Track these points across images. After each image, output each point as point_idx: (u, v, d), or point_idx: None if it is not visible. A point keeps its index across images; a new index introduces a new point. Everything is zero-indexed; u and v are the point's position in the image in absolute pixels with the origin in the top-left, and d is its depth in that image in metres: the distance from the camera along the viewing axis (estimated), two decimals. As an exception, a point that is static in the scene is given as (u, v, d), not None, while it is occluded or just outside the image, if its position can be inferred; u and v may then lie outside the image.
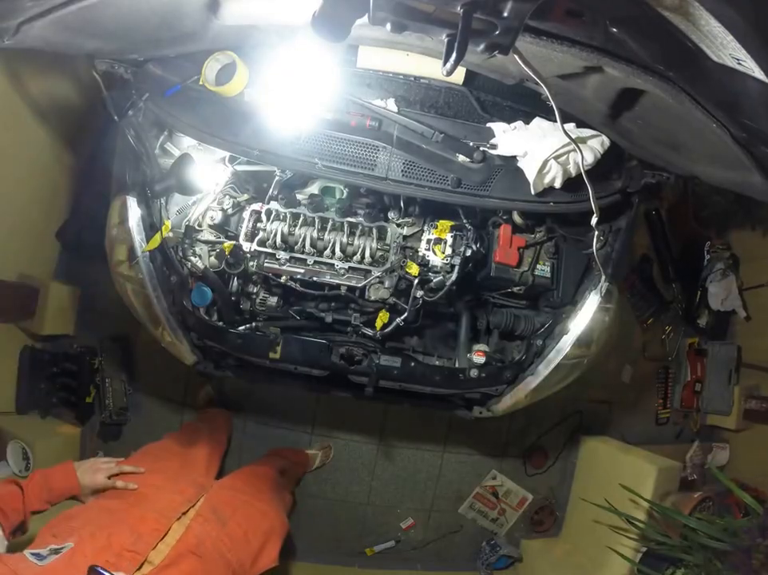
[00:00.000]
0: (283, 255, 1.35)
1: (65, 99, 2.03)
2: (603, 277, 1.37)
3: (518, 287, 1.44)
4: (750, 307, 2.73)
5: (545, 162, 1.18)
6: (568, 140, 1.03)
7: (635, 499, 2.03)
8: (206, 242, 1.46)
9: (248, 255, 1.36)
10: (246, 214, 1.38)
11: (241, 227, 1.38)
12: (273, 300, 1.49)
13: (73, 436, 2.32)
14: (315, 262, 1.36)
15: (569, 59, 0.90)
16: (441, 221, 1.40)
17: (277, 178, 1.41)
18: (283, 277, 1.37)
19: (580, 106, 1.17)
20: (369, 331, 1.44)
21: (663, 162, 1.33)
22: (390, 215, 1.41)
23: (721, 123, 0.96)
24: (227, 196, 1.45)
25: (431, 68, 1.26)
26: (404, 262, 1.37)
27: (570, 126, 1.22)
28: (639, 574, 1.98)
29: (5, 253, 2.01)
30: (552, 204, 1.29)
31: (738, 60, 0.75)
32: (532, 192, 1.24)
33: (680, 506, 2.08)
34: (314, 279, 1.36)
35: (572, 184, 1.24)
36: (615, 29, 0.78)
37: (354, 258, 1.37)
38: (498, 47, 0.68)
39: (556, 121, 0.97)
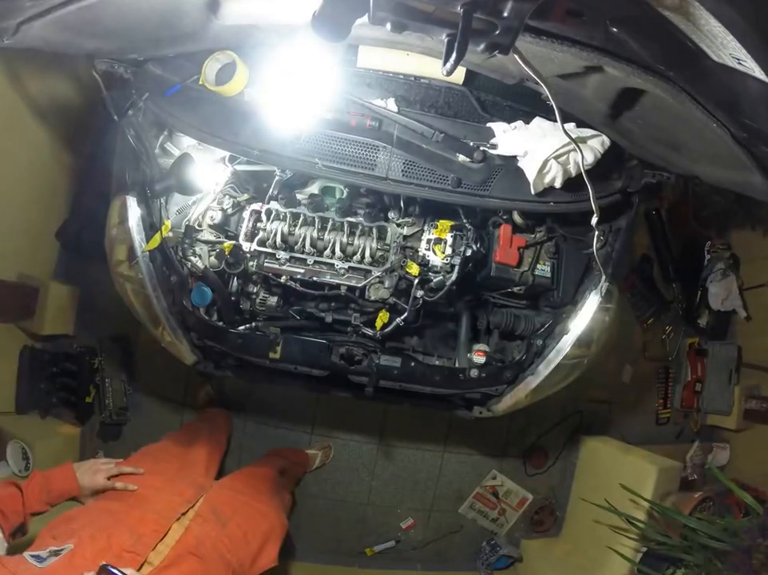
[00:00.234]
0: (282, 255, 1.35)
1: (64, 99, 2.03)
2: (604, 277, 1.37)
3: (518, 287, 1.44)
4: (750, 306, 2.72)
5: (545, 162, 1.18)
6: (568, 139, 1.03)
7: (636, 499, 2.03)
8: (206, 242, 1.46)
9: (248, 255, 1.36)
10: (246, 214, 1.38)
11: (241, 227, 1.38)
12: (273, 300, 1.48)
13: (72, 436, 2.32)
14: (315, 262, 1.36)
15: (569, 59, 0.90)
16: (441, 221, 1.40)
17: (277, 178, 1.41)
18: (283, 277, 1.37)
19: (580, 106, 1.17)
20: (369, 331, 1.44)
21: (663, 162, 1.32)
22: (390, 215, 1.41)
23: (721, 123, 0.95)
24: (227, 196, 1.45)
25: (431, 68, 1.26)
26: (404, 262, 1.37)
27: (570, 126, 1.22)
28: (640, 574, 1.98)
29: (4, 253, 2.00)
30: (552, 203, 1.28)
31: (738, 60, 0.75)
32: (533, 191, 1.24)
33: (680, 506, 2.08)
34: (314, 279, 1.36)
35: (572, 183, 1.24)
36: (615, 29, 0.78)
37: (354, 258, 1.37)
38: (498, 47, 0.68)
39: (556, 121, 0.97)
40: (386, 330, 1.41)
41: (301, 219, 1.37)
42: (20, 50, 1.08)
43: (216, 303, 1.47)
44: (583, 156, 1.09)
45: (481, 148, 1.26)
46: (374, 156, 1.23)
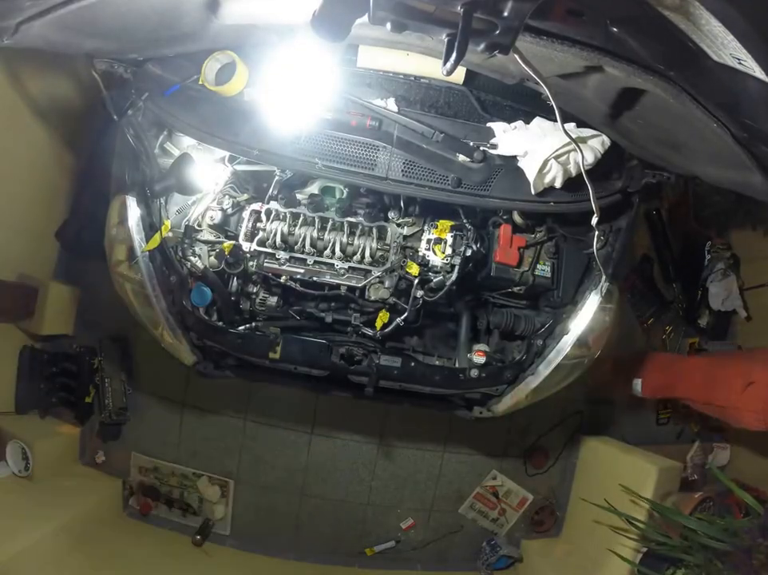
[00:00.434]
0: (282, 255, 1.35)
1: (64, 99, 2.02)
2: (604, 277, 1.37)
3: (518, 287, 1.44)
4: (750, 307, 2.72)
5: (545, 162, 1.17)
6: (568, 139, 1.03)
7: (636, 499, 2.03)
8: (206, 242, 1.46)
9: (248, 255, 1.36)
10: (246, 214, 1.38)
11: (241, 227, 1.38)
12: (273, 300, 1.48)
13: (72, 436, 2.32)
14: (315, 262, 1.36)
15: (570, 59, 0.90)
16: (441, 221, 1.40)
17: (277, 178, 1.41)
18: (283, 277, 1.37)
19: (581, 106, 1.16)
20: (369, 331, 1.44)
21: (663, 162, 1.32)
22: (390, 215, 1.41)
23: (721, 122, 0.95)
24: (227, 196, 1.45)
25: (431, 67, 1.26)
26: (404, 262, 1.37)
27: (570, 126, 1.22)
28: (640, 574, 1.97)
29: (5, 253, 2.00)
30: (552, 203, 1.28)
31: (738, 59, 0.75)
32: (533, 191, 1.24)
33: (681, 506, 2.07)
34: (314, 279, 1.36)
35: (573, 183, 1.23)
36: (615, 29, 0.78)
37: (354, 258, 1.36)
38: (498, 47, 0.68)
39: (556, 121, 0.96)
40: (386, 330, 1.41)
41: (301, 219, 1.37)
42: (20, 50, 1.08)
43: (216, 303, 1.47)
44: (583, 156, 1.09)
45: (481, 148, 1.26)
46: (374, 156, 1.23)
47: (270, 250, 1.35)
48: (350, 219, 1.38)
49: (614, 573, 2.07)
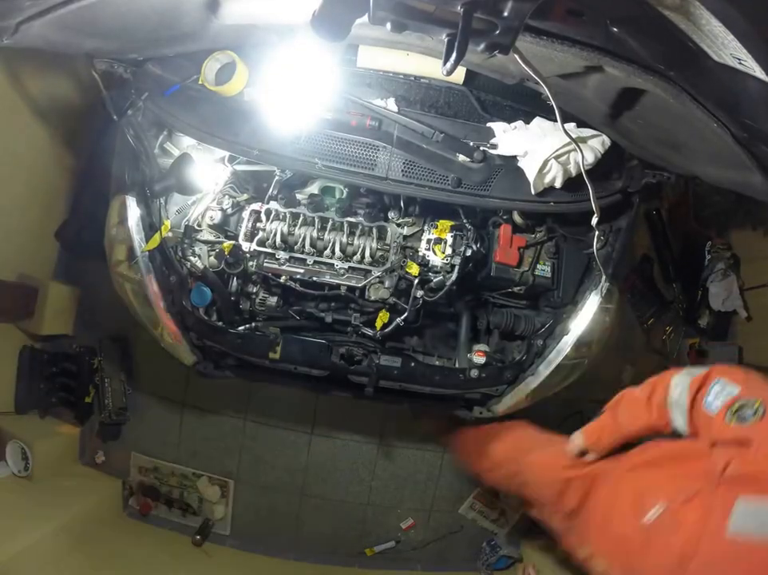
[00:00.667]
0: (282, 255, 1.35)
1: (64, 99, 2.02)
2: (604, 277, 1.37)
3: (518, 287, 1.44)
4: (750, 307, 2.71)
5: (546, 162, 1.17)
6: (568, 139, 1.03)
7: (636, 499, 2.03)
8: (205, 242, 1.46)
9: (248, 255, 1.36)
10: (245, 214, 1.38)
11: (241, 227, 1.38)
12: (273, 300, 1.48)
13: (72, 436, 2.32)
14: (315, 262, 1.36)
15: (570, 59, 0.89)
16: (441, 221, 1.40)
17: (277, 178, 1.41)
18: (283, 277, 1.37)
19: (581, 106, 1.16)
20: (369, 331, 1.44)
21: (663, 162, 1.32)
22: (390, 215, 1.41)
23: (721, 122, 0.95)
24: (227, 196, 1.45)
25: (431, 67, 1.26)
26: (404, 262, 1.37)
27: (570, 126, 1.22)
28: None
29: (4, 253, 2.00)
30: (552, 203, 1.28)
31: (738, 59, 0.75)
32: (533, 191, 1.24)
33: (680, 507, 2.07)
34: (314, 279, 1.36)
35: (573, 183, 1.23)
36: (615, 29, 0.78)
37: (354, 258, 1.36)
38: (498, 47, 0.68)
39: (556, 121, 0.96)
40: (386, 330, 1.41)
41: (301, 219, 1.36)
42: (20, 50, 1.08)
43: (216, 303, 1.47)
44: (583, 156, 1.08)
45: (481, 148, 1.26)
46: (374, 156, 1.23)
47: (270, 250, 1.35)
48: (350, 219, 1.38)
49: (614, 573, 2.06)
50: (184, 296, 1.41)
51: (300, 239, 1.35)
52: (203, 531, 2.29)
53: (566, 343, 1.42)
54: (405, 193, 1.29)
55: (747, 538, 0.78)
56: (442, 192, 1.25)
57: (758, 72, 0.76)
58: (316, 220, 1.36)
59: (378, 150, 1.23)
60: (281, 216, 1.37)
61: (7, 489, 2.01)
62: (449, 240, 1.36)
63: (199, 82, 1.22)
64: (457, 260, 1.35)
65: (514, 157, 1.26)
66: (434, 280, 1.37)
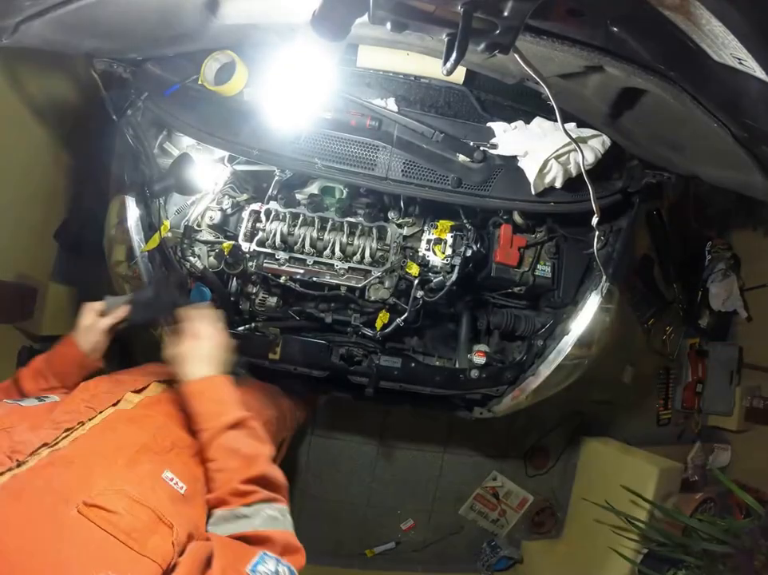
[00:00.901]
0: (282, 255, 1.35)
1: (63, 98, 2.02)
2: (604, 277, 1.37)
3: (519, 288, 1.44)
4: (751, 307, 2.72)
5: (546, 162, 1.17)
6: (568, 139, 1.02)
7: (637, 500, 2.03)
8: (205, 242, 1.46)
9: (247, 256, 1.36)
10: (245, 214, 1.38)
11: (240, 227, 1.37)
12: (272, 301, 1.48)
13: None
14: (315, 262, 1.36)
15: (570, 58, 0.89)
16: (441, 221, 1.39)
17: (276, 178, 1.41)
18: (283, 277, 1.36)
19: (581, 106, 1.16)
20: (369, 332, 1.43)
21: (663, 162, 1.32)
22: (390, 215, 1.41)
23: (722, 123, 0.95)
24: (227, 196, 1.45)
25: (431, 67, 1.25)
26: (404, 262, 1.37)
27: (571, 126, 1.22)
28: (640, 575, 1.97)
29: (3, 253, 2.00)
30: (552, 203, 1.28)
31: (739, 59, 0.75)
32: (533, 191, 1.24)
33: (681, 507, 2.07)
34: (314, 279, 1.36)
35: (573, 183, 1.23)
36: (616, 29, 0.78)
37: (354, 258, 1.36)
38: (498, 47, 0.67)
39: (556, 121, 0.96)
40: (386, 330, 1.41)
41: (300, 219, 1.36)
42: (19, 50, 1.08)
43: (215, 304, 1.46)
44: (583, 156, 1.08)
45: (481, 148, 1.26)
46: (373, 156, 1.23)
47: (269, 250, 1.35)
48: (349, 219, 1.38)
49: (615, 574, 2.06)
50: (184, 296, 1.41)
51: (300, 240, 1.35)
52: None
53: (566, 344, 1.42)
54: (405, 193, 1.29)
55: None
56: (442, 192, 1.24)
57: (759, 72, 0.75)
58: (316, 220, 1.36)
59: (378, 150, 1.23)
60: (281, 216, 1.37)
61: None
62: (449, 241, 1.36)
63: (199, 82, 1.22)
64: (457, 260, 1.34)
65: (514, 157, 1.25)
66: (434, 281, 1.37)
